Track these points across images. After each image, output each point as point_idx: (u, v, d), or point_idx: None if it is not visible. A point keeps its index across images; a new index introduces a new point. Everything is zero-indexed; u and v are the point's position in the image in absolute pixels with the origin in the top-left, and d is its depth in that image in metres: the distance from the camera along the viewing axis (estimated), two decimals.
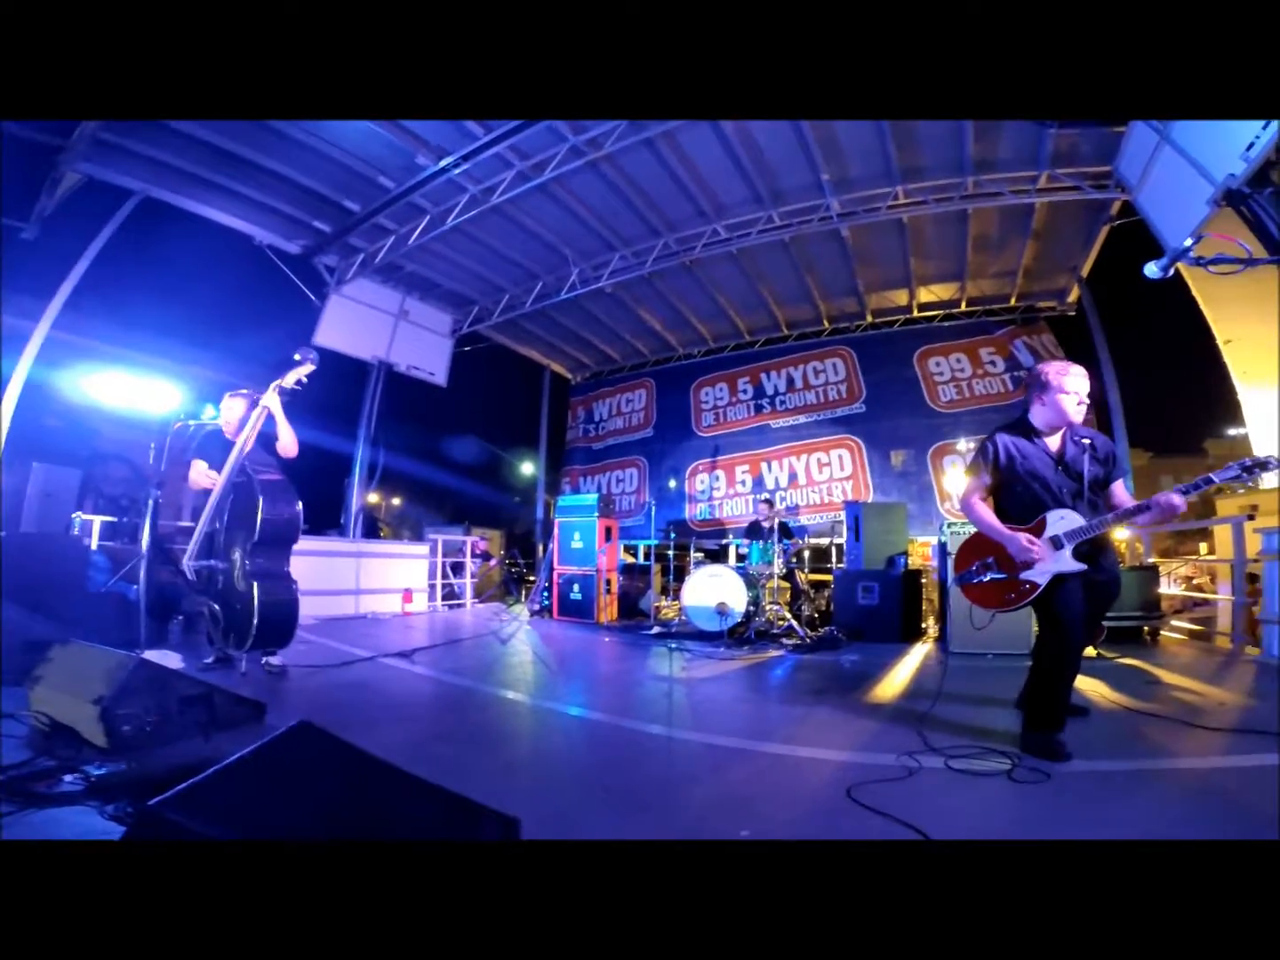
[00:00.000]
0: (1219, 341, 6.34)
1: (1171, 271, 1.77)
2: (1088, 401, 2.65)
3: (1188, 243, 1.65)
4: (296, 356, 3.66)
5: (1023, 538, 2.51)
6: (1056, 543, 2.49)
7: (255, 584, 3.40)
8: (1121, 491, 2.65)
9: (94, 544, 5.57)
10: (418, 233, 7.29)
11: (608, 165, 6.33)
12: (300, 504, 3.68)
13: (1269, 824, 1.71)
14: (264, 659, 3.73)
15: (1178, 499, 2.30)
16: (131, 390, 6.84)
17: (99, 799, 1.68)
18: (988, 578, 2.64)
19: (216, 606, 3.56)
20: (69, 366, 6.99)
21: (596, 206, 7.14)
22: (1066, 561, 2.47)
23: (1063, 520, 2.51)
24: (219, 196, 6.65)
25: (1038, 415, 2.68)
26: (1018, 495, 2.65)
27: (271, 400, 3.62)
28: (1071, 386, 2.59)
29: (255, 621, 3.36)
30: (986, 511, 2.68)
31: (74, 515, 5.77)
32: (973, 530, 2.82)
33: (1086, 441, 2.63)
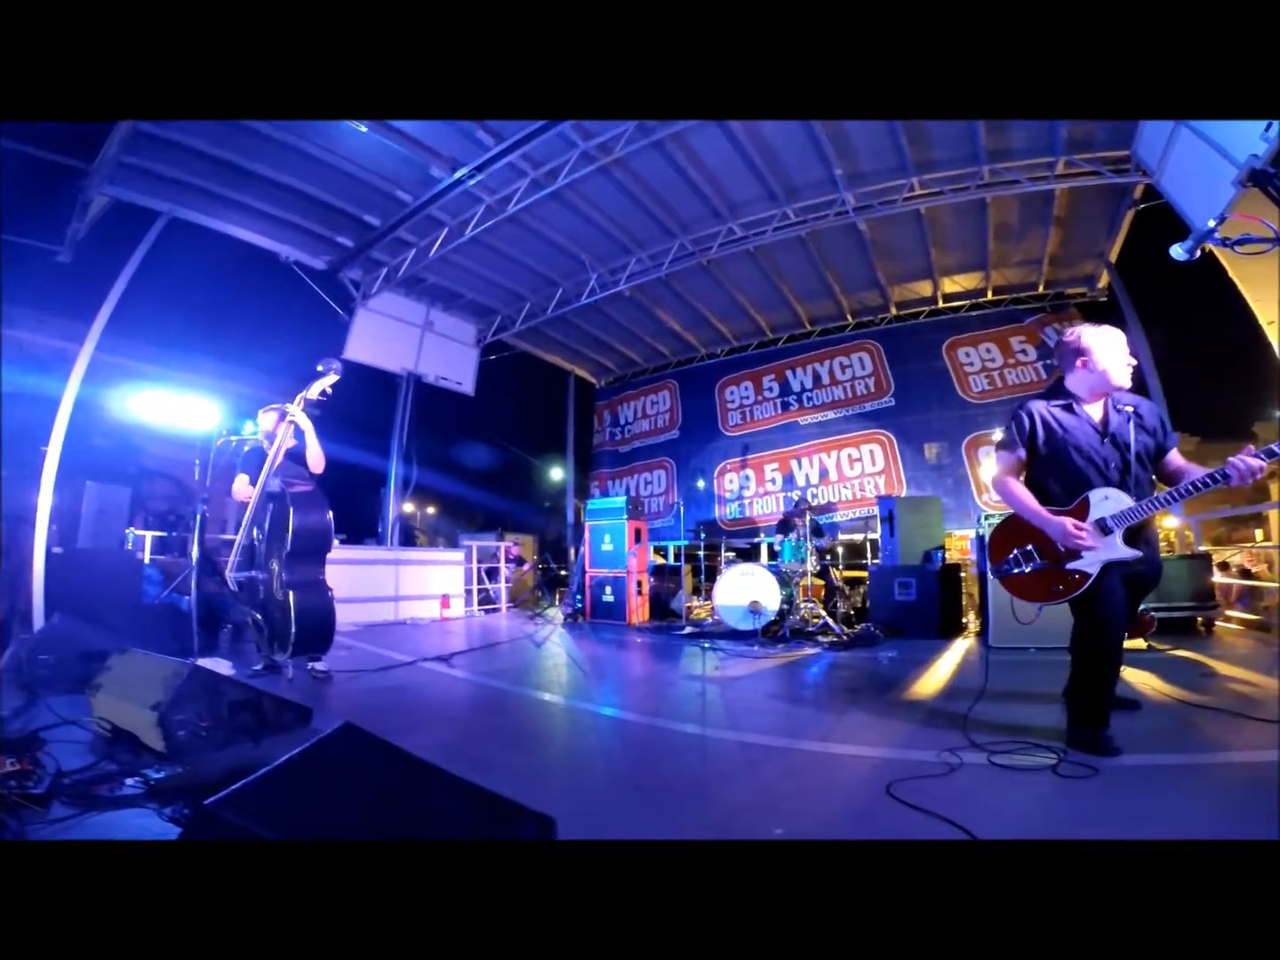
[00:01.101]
0: (1262, 323, 6.10)
1: (1199, 253, 1.74)
2: (1134, 361, 2.41)
3: (1211, 224, 1.62)
4: (320, 368, 3.73)
5: (1068, 522, 2.26)
6: (1103, 527, 2.25)
7: (291, 593, 3.50)
8: (1181, 460, 2.38)
9: (146, 558, 5.80)
10: (437, 245, 7.42)
11: (619, 169, 6.36)
12: (330, 514, 3.76)
13: None
14: (309, 664, 3.84)
15: (1256, 461, 2.00)
16: (174, 408, 7.09)
17: (157, 801, 1.74)
18: (1029, 568, 2.38)
19: (259, 615, 3.68)
20: (114, 387, 7.27)
21: (610, 211, 7.17)
22: (1118, 548, 2.23)
23: (1107, 501, 2.27)
24: (243, 214, 6.83)
25: (1079, 381, 2.44)
26: (1058, 472, 2.40)
27: (297, 414, 3.70)
28: (1117, 346, 2.37)
29: (293, 629, 3.46)
30: (1023, 492, 2.41)
31: (127, 531, 6.02)
32: (1007, 514, 2.57)
33: (1130, 409, 2.36)
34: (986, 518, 5.29)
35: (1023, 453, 2.47)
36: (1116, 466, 2.34)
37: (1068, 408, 2.43)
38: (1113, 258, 7.75)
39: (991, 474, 2.69)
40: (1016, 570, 2.43)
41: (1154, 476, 2.41)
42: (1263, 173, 1.43)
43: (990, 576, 2.57)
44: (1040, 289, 8.71)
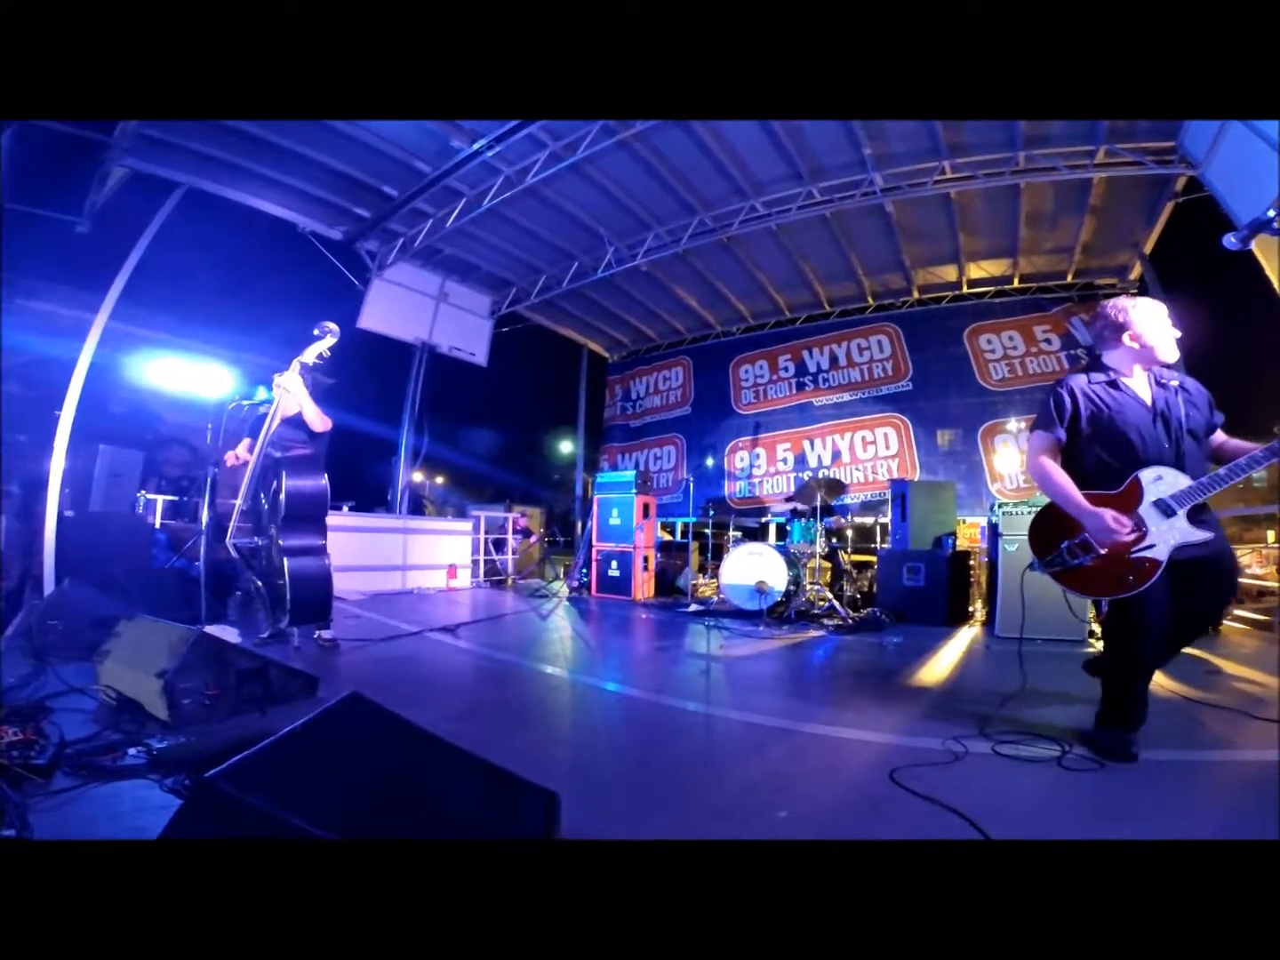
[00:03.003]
0: None
1: (1251, 244, 1.67)
2: (1179, 334, 2.21)
3: (1271, 214, 1.56)
4: (316, 332, 3.71)
5: (1107, 515, 2.05)
6: (1165, 509, 2.05)
7: (286, 559, 3.48)
8: (1228, 437, 2.20)
9: (157, 523, 5.85)
10: (455, 216, 7.33)
11: (639, 144, 6.22)
12: (324, 478, 3.70)
13: None
14: (316, 633, 3.87)
15: None
16: (188, 375, 7.14)
17: (159, 772, 1.75)
18: (1089, 559, 2.12)
19: (259, 583, 3.69)
20: (129, 354, 7.30)
21: (630, 185, 7.04)
22: (1187, 530, 2.03)
23: (1161, 481, 2.08)
24: (261, 185, 6.79)
25: (1121, 357, 2.26)
26: (1105, 452, 2.20)
27: (291, 378, 3.67)
28: (1161, 318, 2.19)
29: (289, 596, 3.43)
30: (1062, 477, 2.20)
31: (139, 495, 6.07)
32: (1045, 502, 2.37)
33: (1175, 384, 2.19)
34: (999, 505, 5.21)
35: (1062, 433, 2.27)
36: (1167, 444, 2.14)
37: (1111, 384, 2.24)
38: (1147, 250, 7.51)
39: (1026, 455, 2.48)
40: (1075, 563, 2.17)
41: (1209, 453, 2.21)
42: None
43: (1039, 571, 2.30)
44: (1069, 278, 8.47)
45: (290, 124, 5.80)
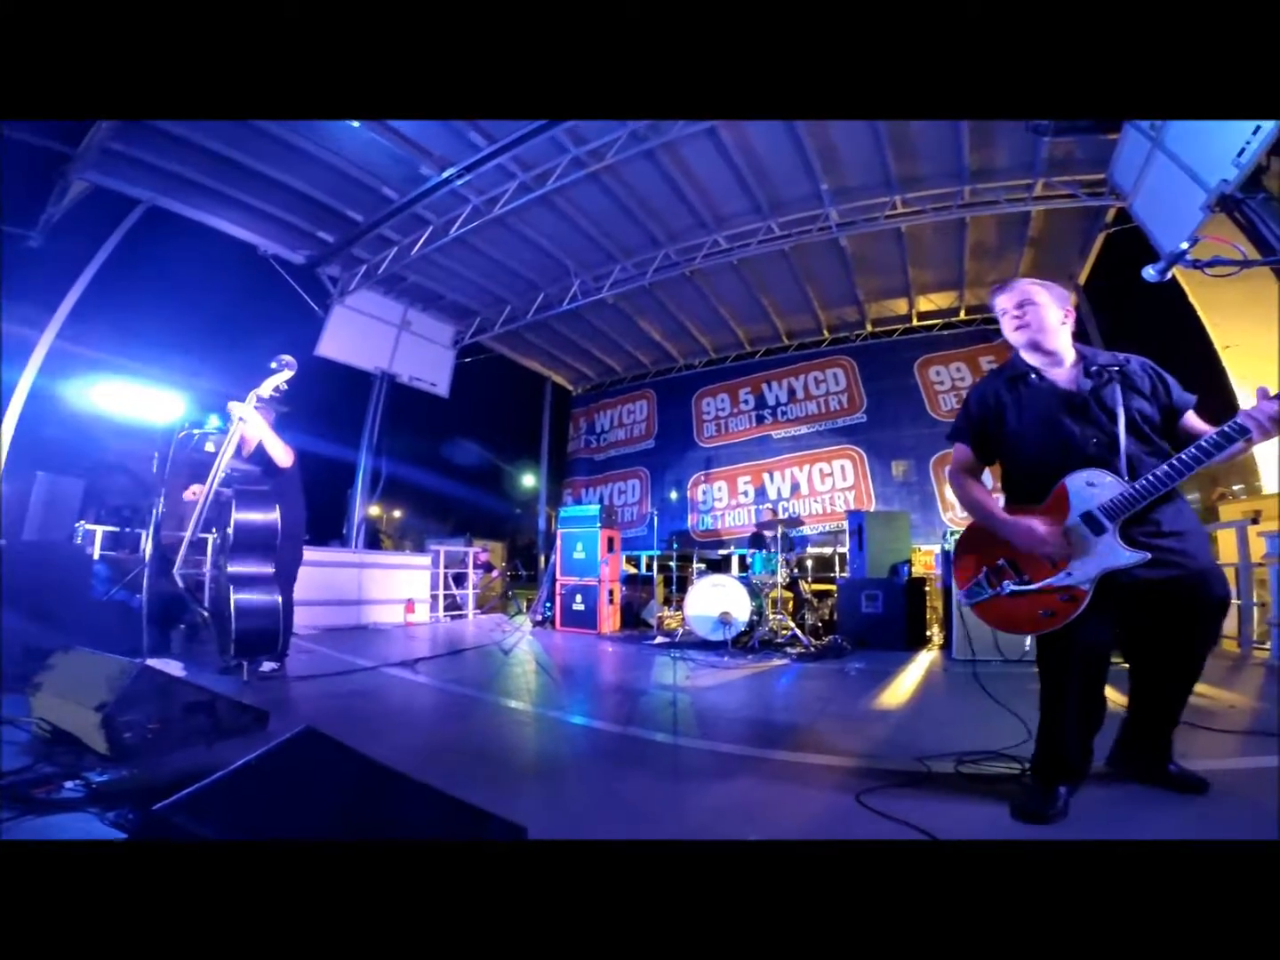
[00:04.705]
0: (1218, 347, 6.36)
1: (1169, 275, 1.72)
2: (1023, 315, 1.90)
3: (1184, 246, 1.60)
4: (273, 364, 3.66)
5: (1031, 522, 1.78)
6: (1093, 524, 1.73)
7: (231, 589, 3.38)
8: (1202, 424, 1.79)
9: (96, 554, 5.56)
10: (420, 244, 7.35)
11: (609, 176, 6.38)
12: (276, 510, 3.62)
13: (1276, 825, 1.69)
14: (264, 664, 3.72)
15: (1274, 404, 1.55)
16: (135, 400, 6.90)
17: (100, 805, 1.66)
18: (1007, 589, 1.85)
19: (206, 615, 3.55)
20: (73, 376, 7.02)
21: (598, 217, 7.20)
22: (1117, 551, 1.71)
23: (1092, 488, 1.75)
24: (224, 206, 6.72)
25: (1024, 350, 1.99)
26: (1021, 460, 1.93)
27: (248, 411, 3.61)
28: (999, 306, 1.96)
29: (233, 627, 3.33)
30: (976, 490, 1.96)
31: (77, 525, 5.77)
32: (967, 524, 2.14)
33: (1116, 369, 1.83)
34: (952, 533, 5.38)
35: (971, 443, 2.03)
36: (1098, 443, 1.79)
37: (1020, 378, 1.95)
38: (1081, 280, 7.99)
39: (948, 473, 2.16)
40: (992, 594, 1.90)
41: (1169, 448, 1.78)
42: (1231, 198, 1.47)
43: (962, 603, 2.07)
44: None
45: (257, 143, 5.77)
